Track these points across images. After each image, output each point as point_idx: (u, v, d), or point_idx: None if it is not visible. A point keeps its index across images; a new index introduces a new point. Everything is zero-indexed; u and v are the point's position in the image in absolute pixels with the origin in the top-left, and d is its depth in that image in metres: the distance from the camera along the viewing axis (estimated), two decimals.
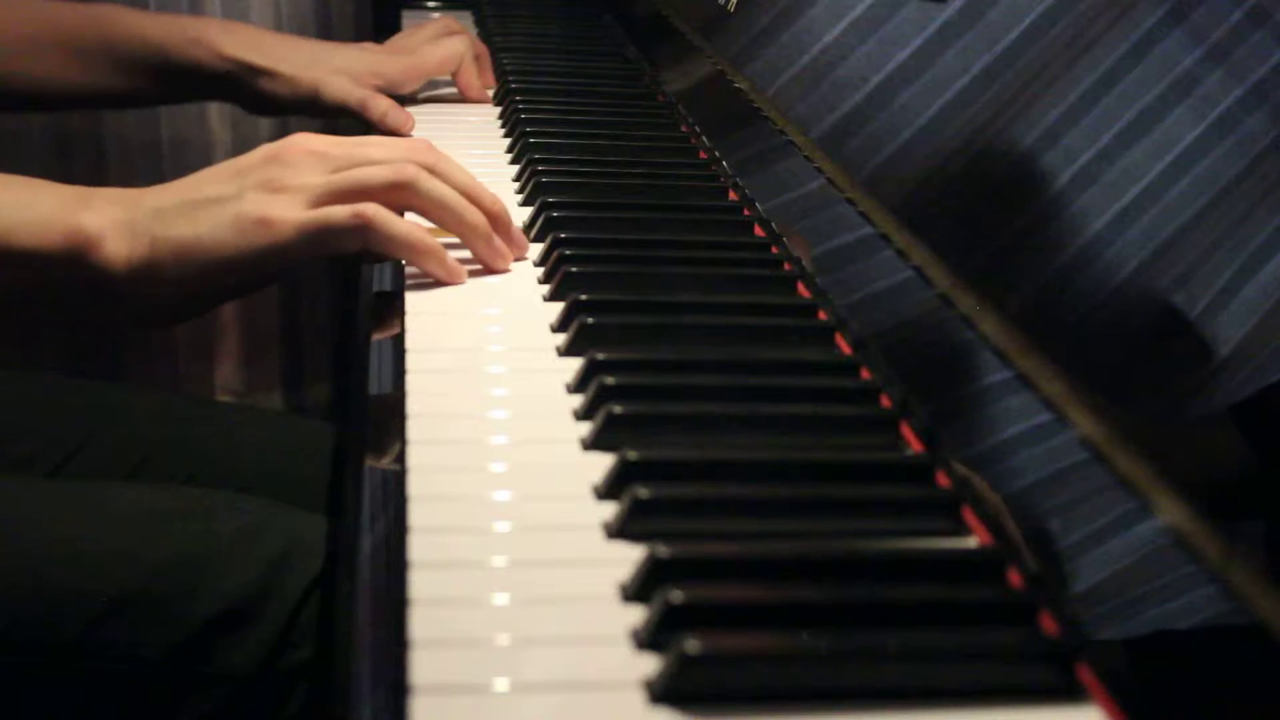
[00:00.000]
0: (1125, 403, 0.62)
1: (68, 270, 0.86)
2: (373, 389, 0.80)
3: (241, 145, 1.86)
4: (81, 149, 1.81)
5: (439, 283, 0.90)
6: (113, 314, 0.91)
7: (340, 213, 0.87)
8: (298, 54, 1.29)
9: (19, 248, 0.85)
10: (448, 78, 1.39)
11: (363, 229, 0.87)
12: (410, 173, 0.89)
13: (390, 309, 0.88)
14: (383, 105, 1.27)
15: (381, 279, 0.92)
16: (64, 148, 1.81)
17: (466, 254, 0.92)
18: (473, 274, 0.92)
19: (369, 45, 1.37)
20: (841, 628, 0.56)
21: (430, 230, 0.91)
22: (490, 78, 1.41)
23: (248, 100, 1.30)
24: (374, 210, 0.87)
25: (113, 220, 0.86)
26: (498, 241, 0.92)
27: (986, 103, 0.83)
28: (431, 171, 0.90)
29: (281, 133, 1.65)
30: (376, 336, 0.86)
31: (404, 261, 0.91)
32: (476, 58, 1.39)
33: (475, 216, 0.91)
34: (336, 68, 1.28)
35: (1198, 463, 0.57)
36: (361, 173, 0.89)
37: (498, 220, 0.92)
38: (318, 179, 0.88)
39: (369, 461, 0.71)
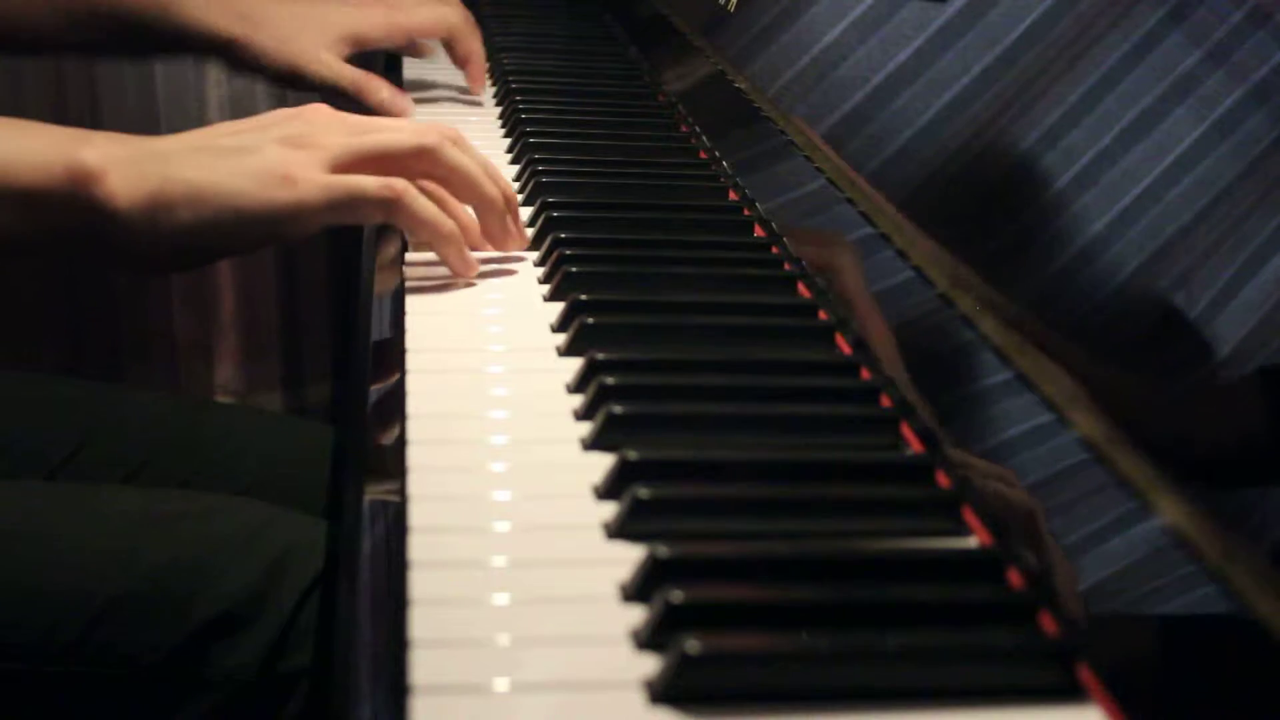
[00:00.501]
0: (1125, 403, 0.62)
1: (68, 207, 0.82)
2: (372, 389, 0.80)
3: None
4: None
5: (452, 273, 0.89)
6: (110, 257, 0.87)
7: (370, 183, 0.84)
8: (278, 20, 1.24)
9: (19, 184, 0.81)
10: (446, 80, 1.39)
11: (391, 203, 0.85)
12: (434, 140, 0.88)
13: (389, 311, 0.88)
14: (382, 90, 1.24)
15: (383, 288, 0.92)
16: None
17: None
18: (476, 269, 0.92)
19: (348, 2, 1.32)
20: (841, 628, 0.56)
21: None
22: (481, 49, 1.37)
23: (229, 64, 1.26)
24: (404, 186, 0.85)
25: (116, 156, 0.83)
26: (509, 220, 0.92)
27: (987, 103, 0.83)
28: (435, 153, 0.89)
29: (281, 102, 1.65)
30: (376, 341, 0.86)
31: (421, 241, 0.89)
32: (475, 33, 1.35)
33: (493, 190, 0.90)
34: (314, 38, 1.24)
35: (1198, 463, 0.57)
36: (385, 136, 0.87)
37: (510, 203, 0.92)
38: (339, 139, 0.86)
39: (369, 462, 0.71)
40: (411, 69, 1.45)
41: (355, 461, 0.72)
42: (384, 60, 1.47)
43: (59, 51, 1.45)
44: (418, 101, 1.34)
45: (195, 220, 0.83)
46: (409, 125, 0.91)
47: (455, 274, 0.89)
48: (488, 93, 1.39)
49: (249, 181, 0.83)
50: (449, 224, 0.87)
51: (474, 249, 0.91)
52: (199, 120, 1.85)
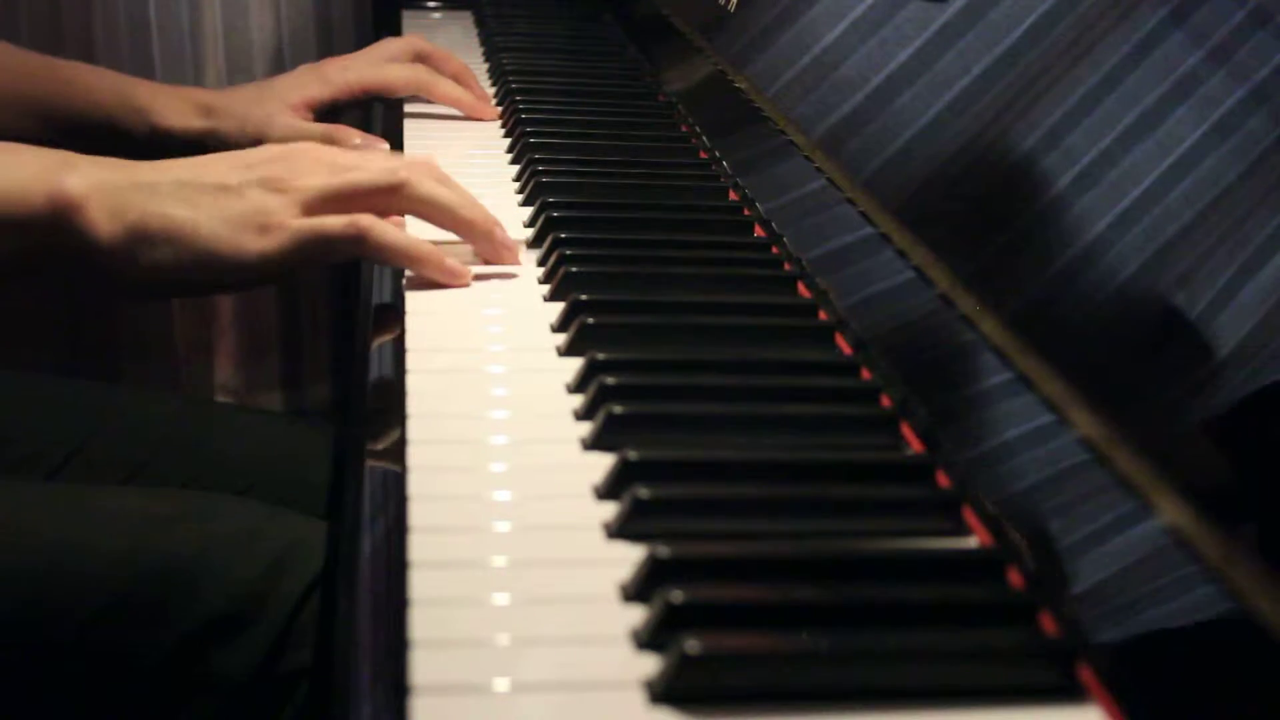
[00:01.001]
0: (1125, 403, 0.62)
1: (48, 235, 0.84)
2: (372, 389, 0.80)
3: None
4: None
5: (443, 286, 0.89)
6: (89, 282, 0.89)
7: (335, 223, 0.86)
8: (235, 106, 1.27)
9: (1, 212, 0.83)
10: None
11: (358, 239, 0.86)
12: (402, 176, 0.89)
13: (390, 313, 0.88)
14: (353, 138, 1.25)
15: (381, 289, 0.92)
16: None
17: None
18: (473, 275, 0.92)
19: (305, 68, 1.35)
20: (841, 628, 0.56)
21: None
22: (478, 89, 1.36)
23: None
24: (369, 221, 0.86)
25: (98, 184, 0.84)
26: (500, 234, 0.92)
27: (987, 103, 0.82)
28: (401, 188, 0.90)
29: None
30: (376, 341, 0.86)
31: (400, 268, 0.91)
32: (456, 75, 1.34)
33: (473, 213, 0.91)
34: (271, 108, 1.27)
35: (1198, 463, 0.57)
36: (354, 175, 0.89)
37: (474, 228, 0.92)
38: (316, 181, 0.88)
39: (369, 462, 0.71)
40: None
41: (355, 461, 0.72)
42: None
43: None
44: (416, 115, 1.33)
45: (171, 257, 0.85)
46: (387, 162, 0.91)
47: (447, 286, 0.90)
48: (488, 92, 1.39)
49: (224, 226, 0.85)
50: (421, 246, 0.88)
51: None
52: (194, 61, 1.83)
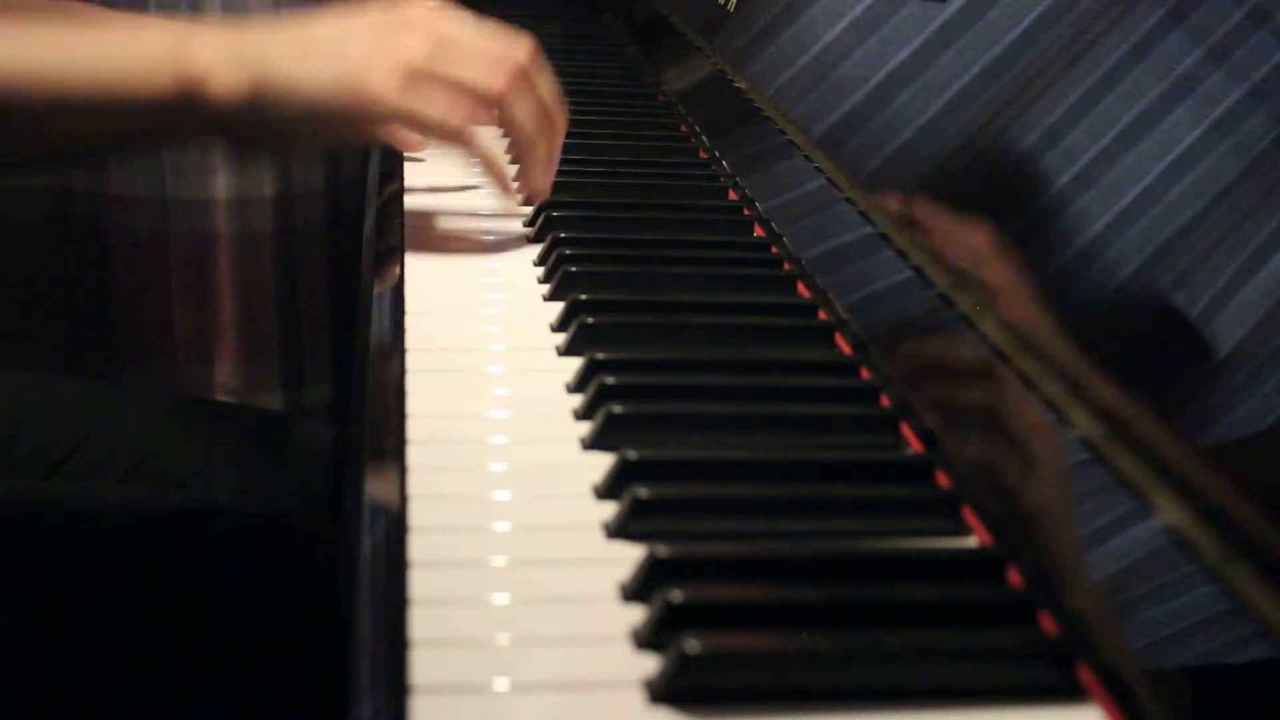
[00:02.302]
0: (1125, 403, 0.62)
1: (178, 108, 0.86)
2: (372, 389, 0.80)
3: None
4: None
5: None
6: (222, 140, 0.93)
7: (434, 114, 0.89)
8: None
9: (132, 94, 0.86)
10: None
11: (451, 137, 0.89)
12: (499, 90, 0.91)
13: (390, 312, 0.88)
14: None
15: (382, 289, 0.92)
16: None
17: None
18: (473, 274, 0.92)
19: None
20: (841, 628, 0.56)
21: None
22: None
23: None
24: (460, 127, 0.89)
25: (218, 52, 0.87)
26: (543, 174, 0.96)
27: (987, 103, 0.82)
28: (525, 81, 0.92)
29: None
30: (376, 340, 0.85)
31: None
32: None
33: (538, 153, 0.95)
34: None
35: (1198, 463, 0.57)
36: (461, 72, 0.90)
37: (553, 147, 0.97)
38: (422, 53, 0.89)
39: (369, 462, 0.71)
40: None
41: (355, 461, 0.72)
42: None
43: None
44: None
45: (285, 111, 0.87)
46: (493, 54, 0.93)
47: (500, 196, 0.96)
48: None
49: (330, 84, 0.87)
50: (501, 164, 0.94)
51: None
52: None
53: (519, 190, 0.98)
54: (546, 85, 0.95)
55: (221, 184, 1.74)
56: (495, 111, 0.92)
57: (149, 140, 0.92)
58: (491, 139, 0.96)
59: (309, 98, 0.87)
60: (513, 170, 1.00)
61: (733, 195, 1.07)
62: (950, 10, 0.89)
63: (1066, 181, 0.73)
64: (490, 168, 0.94)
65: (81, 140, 0.89)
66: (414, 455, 0.69)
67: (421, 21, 0.91)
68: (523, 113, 0.93)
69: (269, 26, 0.90)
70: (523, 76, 0.92)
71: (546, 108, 0.94)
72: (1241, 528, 0.53)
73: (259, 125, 0.88)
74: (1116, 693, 0.54)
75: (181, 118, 0.87)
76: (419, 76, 0.88)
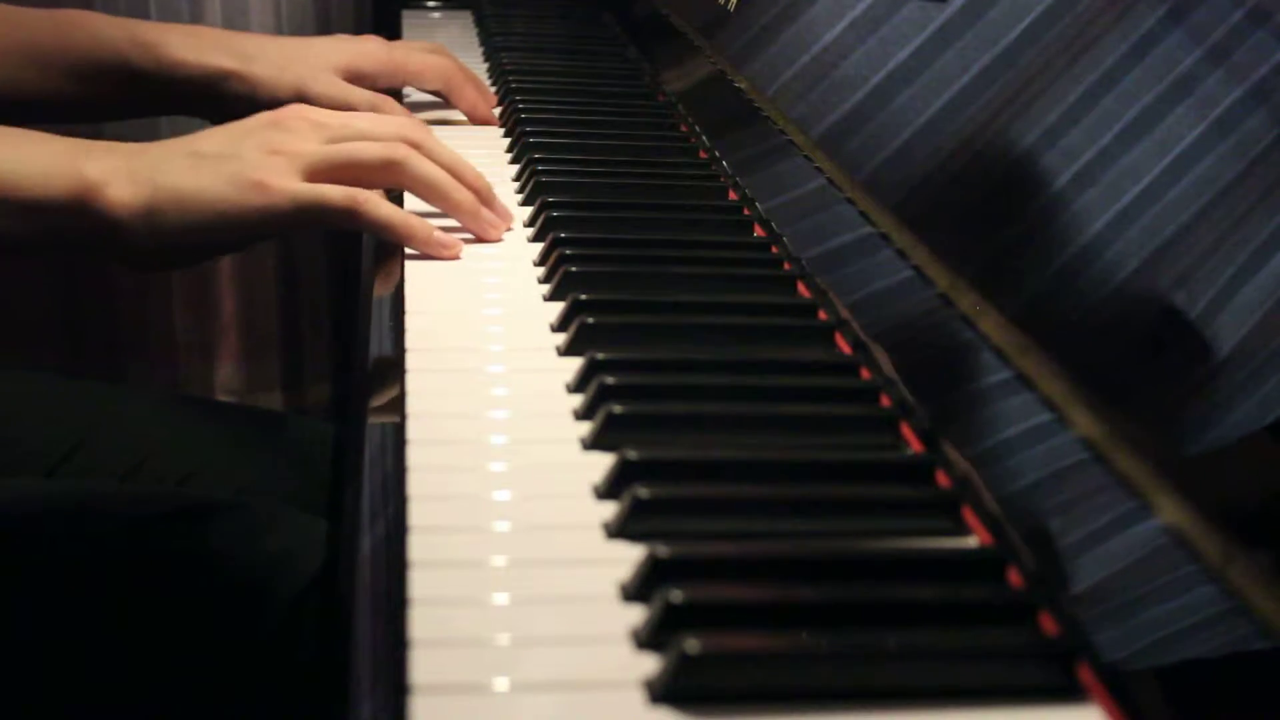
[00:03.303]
0: (1125, 403, 0.62)
1: (72, 217, 0.88)
2: (372, 389, 0.80)
3: None
4: None
5: (434, 258, 0.93)
6: (110, 257, 0.93)
7: (335, 193, 0.90)
8: (270, 52, 1.20)
9: (24, 197, 0.87)
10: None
11: (353, 211, 0.90)
12: (401, 154, 0.94)
13: (390, 312, 0.88)
14: (398, 112, 1.20)
15: (382, 290, 0.92)
16: None
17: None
18: (473, 274, 0.92)
19: (343, 36, 1.29)
20: (841, 628, 0.56)
21: None
22: (492, 99, 1.33)
23: (218, 109, 1.18)
24: (365, 196, 0.90)
25: (114, 166, 0.88)
26: (485, 214, 0.96)
27: (987, 102, 0.82)
28: (419, 149, 0.95)
29: None
30: (376, 340, 0.86)
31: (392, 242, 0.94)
32: (470, 80, 1.30)
33: (462, 195, 0.96)
34: (315, 64, 1.20)
35: (1198, 463, 0.57)
36: (354, 148, 0.93)
37: (481, 195, 0.97)
38: (313, 146, 0.92)
39: (368, 461, 0.71)
40: None
41: (355, 461, 0.72)
42: None
43: (47, 117, 1.39)
44: (414, 104, 1.34)
45: (182, 223, 0.89)
46: (383, 127, 0.96)
47: (438, 259, 0.93)
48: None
49: (227, 188, 0.89)
50: (411, 223, 0.92)
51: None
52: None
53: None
54: (444, 149, 0.97)
55: None
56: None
57: (47, 243, 0.95)
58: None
59: (209, 203, 0.89)
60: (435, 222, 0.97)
61: (733, 195, 1.07)
62: (950, 10, 0.89)
63: (1066, 181, 0.73)
64: (401, 233, 0.92)
65: None
66: (414, 455, 0.69)
67: (304, 116, 0.94)
68: (427, 169, 0.94)
69: (162, 143, 0.93)
70: (419, 135, 0.96)
71: (452, 164, 0.96)
72: (1241, 528, 0.53)
73: (158, 237, 0.89)
74: (1116, 693, 0.54)
75: (76, 227, 0.88)
76: (312, 165, 0.91)
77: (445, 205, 0.96)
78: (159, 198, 0.88)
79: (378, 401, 0.78)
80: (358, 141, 0.93)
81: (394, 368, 0.79)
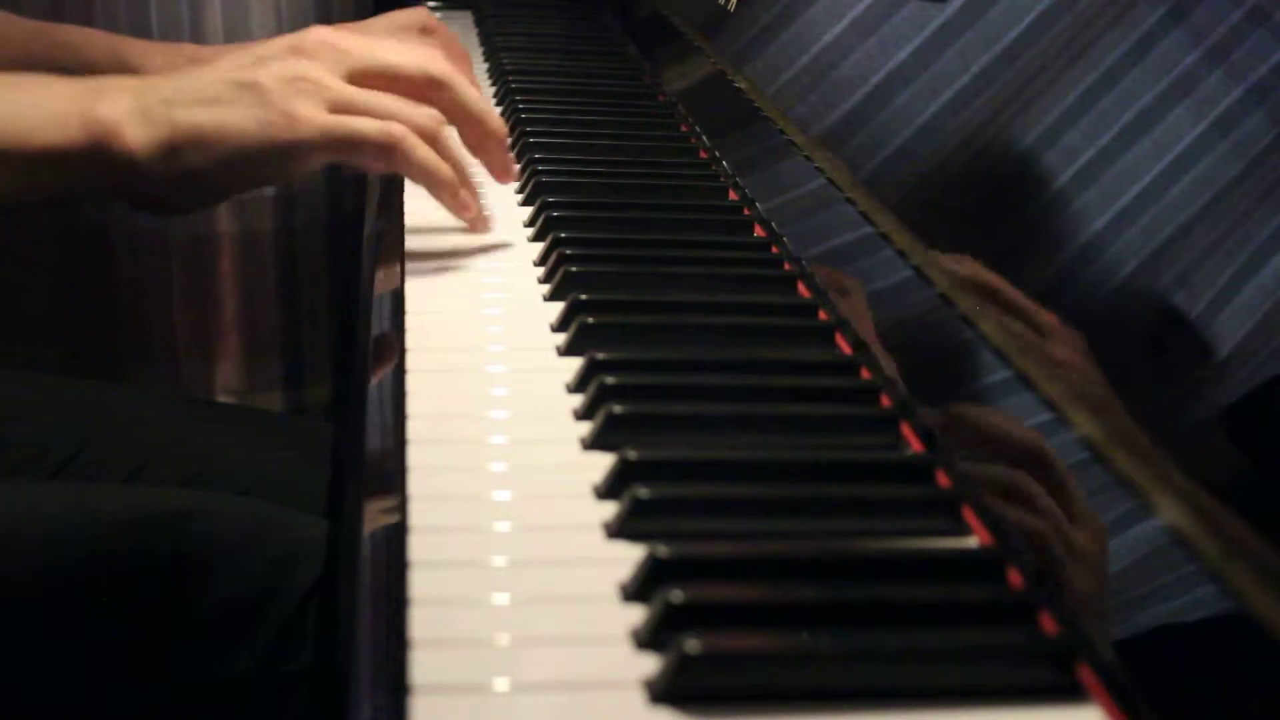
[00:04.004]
0: (1125, 402, 0.62)
1: (89, 162, 0.85)
2: (372, 389, 0.80)
3: None
4: None
5: (452, 214, 0.92)
6: (132, 201, 0.90)
7: (370, 127, 0.86)
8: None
9: (39, 146, 0.84)
10: None
11: (389, 149, 0.87)
12: (444, 72, 0.90)
13: (390, 313, 0.88)
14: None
15: (382, 289, 0.92)
16: None
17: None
18: (473, 274, 0.92)
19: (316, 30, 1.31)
20: (841, 628, 0.56)
21: None
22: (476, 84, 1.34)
23: None
24: (403, 133, 0.87)
25: (129, 107, 0.85)
26: (463, 195, 0.92)
27: (986, 102, 0.82)
28: (448, 90, 0.91)
29: None
30: (376, 341, 0.86)
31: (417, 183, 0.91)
32: (458, 59, 1.27)
33: (498, 123, 0.93)
34: None
35: (1198, 463, 0.57)
36: (391, 57, 0.89)
37: (499, 141, 0.94)
38: (339, 82, 0.88)
39: (368, 462, 0.71)
40: None
41: (355, 461, 0.72)
42: None
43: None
44: None
45: (204, 162, 0.85)
46: (411, 61, 0.91)
47: (455, 215, 0.92)
48: (488, 92, 1.39)
49: (252, 123, 0.85)
50: (445, 170, 0.89)
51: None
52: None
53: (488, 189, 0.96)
54: (470, 86, 0.93)
55: None
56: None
57: (66, 192, 0.90)
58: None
59: (230, 139, 0.85)
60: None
61: (733, 195, 1.07)
62: (950, 10, 0.89)
63: (1066, 181, 0.73)
64: (435, 178, 0.90)
65: None
66: (414, 455, 0.69)
67: (325, 39, 0.90)
68: (471, 93, 0.91)
69: (177, 75, 0.89)
70: (445, 76, 0.91)
71: (478, 109, 0.93)
72: (1241, 528, 0.53)
73: (180, 178, 0.86)
74: (1116, 693, 0.54)
75: (93, 171, 0.85)
76: (339, 105, 0.87)
77: (484, 134, 0.93)
78: (178, 136, 0.85)
79: (377, 402, 0.78)
80: (387, 72, 0.89)
81: (394, 368, 0.79)
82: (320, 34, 0.91)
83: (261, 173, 0.89)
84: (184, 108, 0.85)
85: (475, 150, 0.95)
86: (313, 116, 0.86)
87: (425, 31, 1.30)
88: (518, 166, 0.97)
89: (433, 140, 0.89)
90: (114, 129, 0.84)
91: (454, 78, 0.91)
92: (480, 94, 0.94)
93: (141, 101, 0.85)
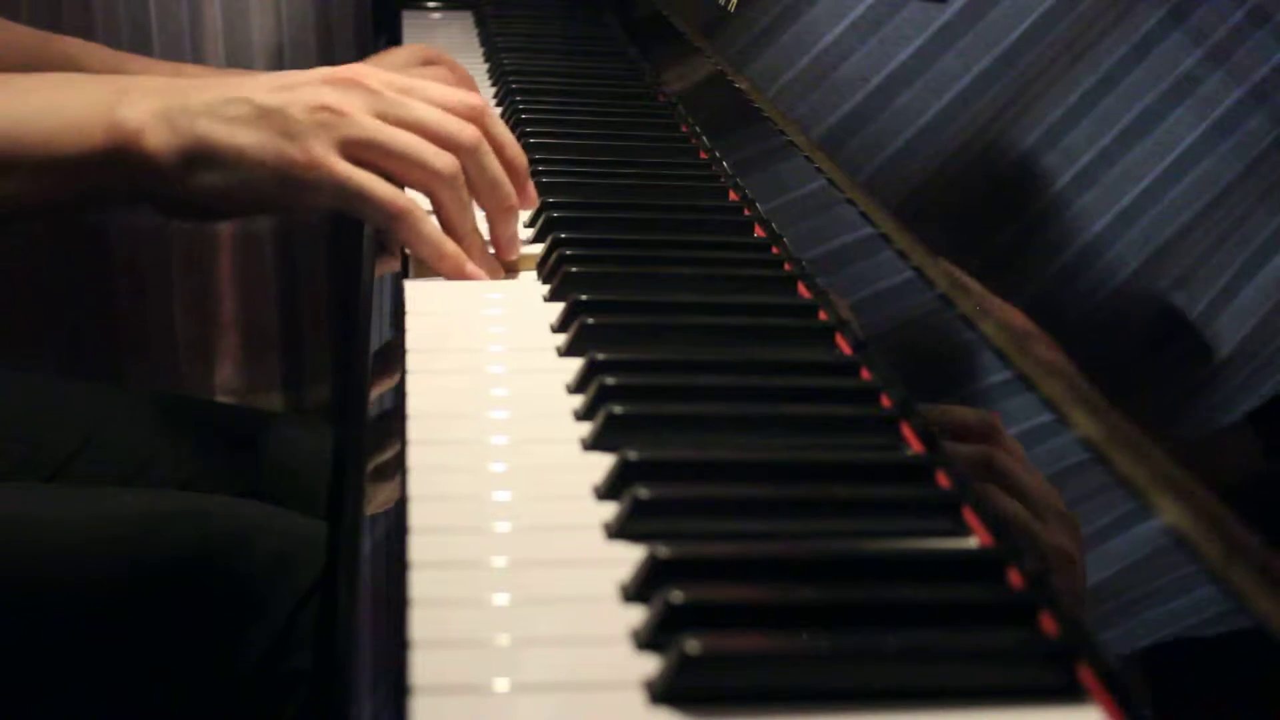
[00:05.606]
0: (1126, 403, 0.62)
1: (110, 167, 0.84)
2: (372, 389, 0.80)
3: None
4: None
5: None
6: (157, 208, 0.89)
7: (383, 190, 0.85)
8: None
9: (60, 153, 0.84)
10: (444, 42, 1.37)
11: (396, 216, 0.85)
12: (456, 167, 0.87)
13: (390, 313, 0.88)
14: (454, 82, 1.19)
15: (382, 289, 0.92)
16: None
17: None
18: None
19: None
20: (841, 628, 0.56)
21: None
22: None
23: None
24: (410, 206, 0.85)
25: (151, 111, 0.84)
26: (470, 269, 0.89)
27: (987, 103, 0.83)
28: (478, 142, 0.88)
29: None
30: (376, 341, 0.86)
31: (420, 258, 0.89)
32: (461, 83, 1.26)
33: (512, 196, 0.90)
34: None
35: (1198, 463, 0.57)
36: (406, 142, 0.86)
37: (522, 172, 0.92)
38: (366, 117, 0.85)
39: (368, 462, 0.71)
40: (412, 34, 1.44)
41: (355, 461, 0.72)
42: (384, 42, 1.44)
43: (18, 217, 1.36)
44: None
45: (220, 181, 0.85)
46: (442, 117, 0.88)
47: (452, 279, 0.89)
48: (488, 93, 1.39)
49: (268, 154, 0.84)
50: (449, 246, 0.87)
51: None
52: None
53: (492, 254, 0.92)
54: (505, 135, 0.91)
55: None
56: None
57: (86, 196, 0.88)
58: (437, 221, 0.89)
59: (245, 164, 0.84)
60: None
61: (733, 196, 1.07)
62: (951, 11, 0.89)
63: (1066, 181, 0.73)
64: (438, 253, 0.87)
65: (12, 199, 0.86)
66: (414, 455, 0.69)
67: (367, 82, 0.87)
68: (492, 165, 0.89)
69: (206, 84, 0.87)
70: (476, 139, 0.88)
71: (503, 168, 0.90)
72: (1241, 528, 0.53)
73: (194, 191, 0.85)
74: (1116, 693, 0.54)
75: (114, 174, 0.84)
76: (360, 144, 0.85)
77: (496, 204, 0.90)
78: (197, 150, 0.84)
79: (378, 402, 0.78)
80: (416, 126, 0.86)
81: (394, 368, 0.79)
82: (357, 68, 0.89)
83: (273, 203, 0.88)
84: (207, 121, 0.84)
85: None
86: (332, 163, 0.84)
87: (429, 63, 1.29)
88: (529, 204, 0.94)
89: (451, 184, 0.87)
90: (135, 133, 0.84)
91: (479, 152, 0.88)
92: (508, 145, 0.91)
93: (167, 106, 0.85)
